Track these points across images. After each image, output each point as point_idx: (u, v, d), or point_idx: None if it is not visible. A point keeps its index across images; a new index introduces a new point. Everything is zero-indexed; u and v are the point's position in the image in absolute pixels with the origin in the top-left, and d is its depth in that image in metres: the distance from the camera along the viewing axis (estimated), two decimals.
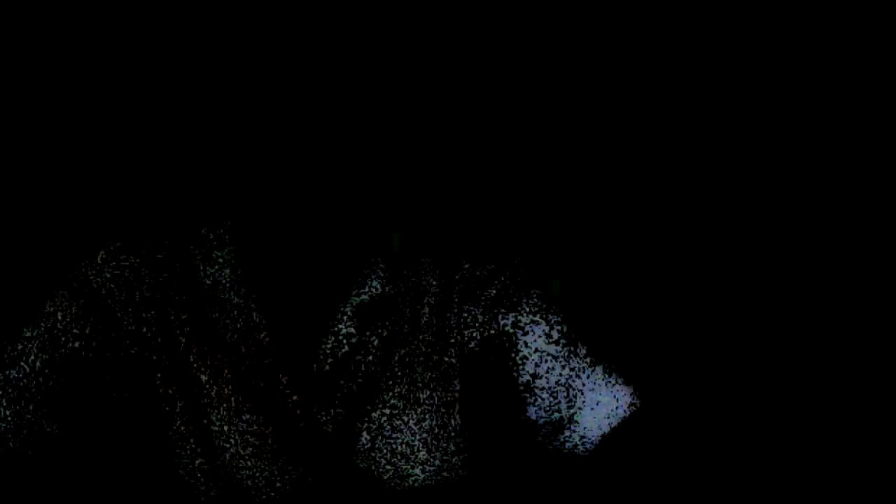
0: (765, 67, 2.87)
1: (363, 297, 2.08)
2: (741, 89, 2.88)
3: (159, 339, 2.06)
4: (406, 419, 2.07)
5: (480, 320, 2.12)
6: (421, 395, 2.08)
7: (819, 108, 2.87)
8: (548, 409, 2.11)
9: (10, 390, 2.03)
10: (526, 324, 2.12)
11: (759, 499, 2.44)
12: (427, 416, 2.08)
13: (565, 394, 2.12)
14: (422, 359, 2.09)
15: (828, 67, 2.86)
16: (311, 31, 1.99)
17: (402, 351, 2.08)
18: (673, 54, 2.87)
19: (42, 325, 2.06)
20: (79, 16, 2.71)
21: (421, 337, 2.10)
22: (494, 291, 2.13)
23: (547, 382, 2.11)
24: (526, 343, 2.12)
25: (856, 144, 2.87)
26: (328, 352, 2.06)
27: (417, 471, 2.08)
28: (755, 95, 2.88)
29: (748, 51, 2.87)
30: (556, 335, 2.13)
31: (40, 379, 2.04)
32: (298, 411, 2.04)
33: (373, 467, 2.06)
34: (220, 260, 2.09)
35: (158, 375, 2.05)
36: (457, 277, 2.13)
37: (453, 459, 2.11)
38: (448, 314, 2.11)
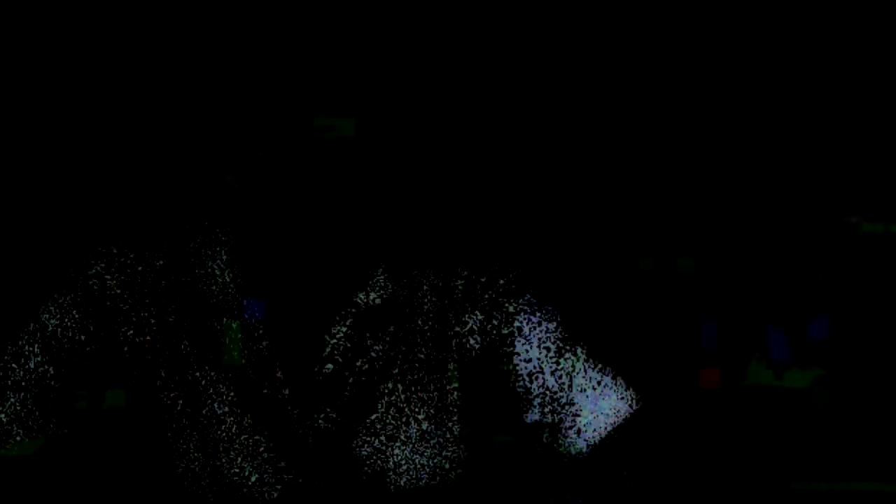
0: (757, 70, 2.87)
1: (363, 300, 2.08)
2: (735, 93, 2.88)
3: (158, 341, 2.06)
4: (405, 421, 2.07)
5: (480, 323, 2.12)
6: (420, 398, 2.08)
7: (818, 109, 2.87)
8: (547, 409, 2.11)
9: (10, 390, 2.03)
10: (525, 326, 2.13)
11: (758, 498, 2.44)
12: (426, 419, 2.08)
13: (565, 394, 2.12)
14: (421, 361, 2.09)
15: (826, 68, 2.86)
16: (310, 34, 1.99)
17: (401, 354, 2.08)
18: (673, 63, 2.87)
19: (42, 325, 2.06)
20: (81, 17, 2.71)
21: (420, 340, 2.10)
22: (493, 294, 2.13)
23: (546, 383, 2.11)
24: (525, 345, 2.12)
25: (855, 145, 2.87)
26: (327, 355, 2.06)
27: (417, 472, 2.08)
28: (746, 99, 2.88)
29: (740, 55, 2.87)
30: (554, 336, 2.13)
31: (40, 379, 2.04)
32: (297, 414, 2.04)
33: (372, 469, 2.05)
34: (220, 262, 2.09)
35: (158, 376, 2.05)
36: (456, 281, 2.13)
37: (453, 461, 2.11)
38: (447, 317, 2.11)
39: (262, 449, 2.04)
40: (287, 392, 2.04)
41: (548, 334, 2.14)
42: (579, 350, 2.15)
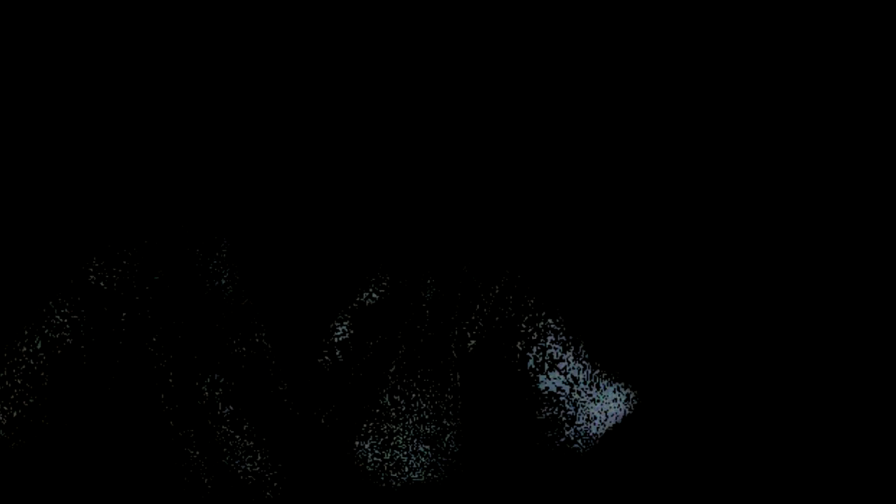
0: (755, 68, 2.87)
1: (364, 301, 2.08)
2: (735, 92, 2.88)
3: (159, 341, 2.06)
4: (406, 420, 2.07)
5: (480, 322, 2.12)
6: (421, 397, 2.09)
7: (817, 108, 2.87)
8: (548, 408, 2.12)
9: (10, 390, 2.04)
10: (526, 325, 2.13)
11: (758, 499, 2.44)
12: (427, 417, 2.08)
13: (565, 393, 2.12)
14: (422, 361, 2.09)
15: (828, 67, 2.86)
16: (312, 38, 1.99)
17: (402, 354, 2.09)
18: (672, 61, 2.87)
19: (43, 325, 2.07)
20: (82, 16, 2.71)
21: (421, 340, 2.10)
22: (494, 293, 2.13)
23: (547, 382, 2.12)
24: (526, 344, 2.12)
25: (855, 145, 2.87)
26: (328, 355, 2.07)
27: (417, 471, 2.08)
28: (747, 98, 2.88)
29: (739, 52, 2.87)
30: (555, 335, 2.13)
31: (41, 378, 2.04)
32: (298, 413, 2.04)
33: (373, 468, 2.06)
34: (221, 263, 2.09)
35: (158, 376, 2.06)
36: (457, 280, 2.13)
37: (453, 459, 2.11)
38: (448, 317, 2.12)
39: (263, 448, 2.04)
40: (288, 392, 2.05)
41: (549, 333, 2.14)
42: (581, 347, 2.16)
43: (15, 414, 2.05)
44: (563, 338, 2.15)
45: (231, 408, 2.05)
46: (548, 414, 2.12)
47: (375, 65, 2.03)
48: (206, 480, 2.05)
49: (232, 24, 2.02)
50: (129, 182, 2.71)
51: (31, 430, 2.05)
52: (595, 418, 2.13)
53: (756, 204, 2.87)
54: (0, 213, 2.64)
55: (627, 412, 2.14)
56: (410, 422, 2.08)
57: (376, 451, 2.07)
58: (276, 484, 2.04)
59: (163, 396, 2.06)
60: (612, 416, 2.13)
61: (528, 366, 2.13)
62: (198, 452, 2.06)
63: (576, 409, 2.13)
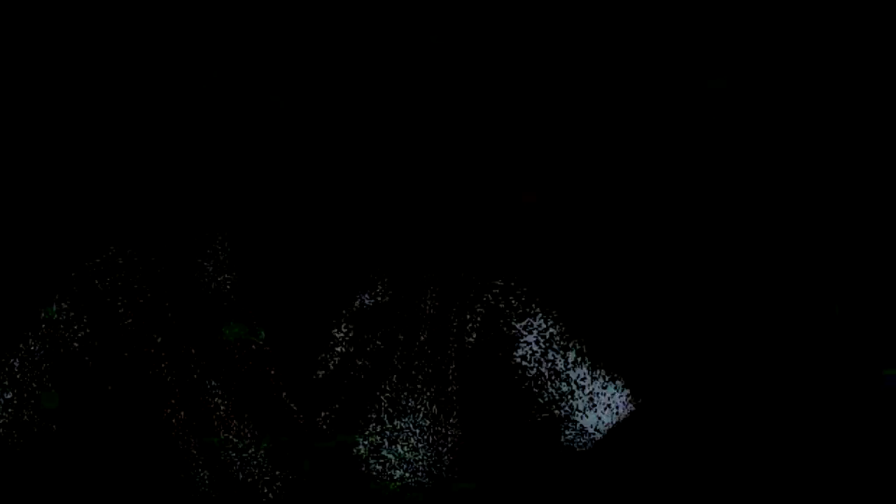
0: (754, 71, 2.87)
1: (363, 303, 2.08)
2: (732, 93, 2.88)
3: (159, 342, 2.06)
4: (405, 421, 2.07)
5: (480, 322, 2.12)
6: (420, 397, 2.09)
7: (819, 109, 2.87)
8: (547, 408, 2.12)
9: (10, 390, 2.04)
10: (525, 324, 2.13)
11: (758, 499, 2.45)
12: (426, 417, 2.08)
13: (565, 393, 2.12)
14: (421, 361, 2.09)
15: (829, 68, 2.86)
16: (313, 39, 1.99)
17: (401, 354, 2.09)
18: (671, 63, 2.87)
19: (43, 325, 2.07)
20: (82, 17, 2.71)
21: (420, 340, 2.10)
22: (494, 293, 2.13)
23: (546, 382, 2.12)
24: (525, 343, 2.12)
25: (854, 146, 2.87)
26: (327, 356, 2.07)
27: (417, 472, 2.08)
28: (743, 101, 2.88)
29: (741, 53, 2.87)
30: (555, 335, 2.13)
31: (40, 379, 2.04)
32: (297, 414, 2.04)
33: (372, 469, 2.06)
34: (221, 265, 2.09)
35: (158, 377, 2.05)
36: (457, 280, 2.13)
37: (453, 460, 2.11)
38: (447, 317, 2.12)
39: (262, 449, 2.04)
40: (287, 394, 2.04)
41: (549, 332, 2.14)
42: (581, 347, 2.16)
43: (15, 413, 2.05)
44: (563, 339, 2.15)
45: (231, 408, 2.05)
46: (547, 414, 2.12)
47: (375, 65, 2.03)
48: (205, 480, 2.05)
49: (232, 24, 2.02)
50: (128, 182, 2.71)
51: (31, 430, 2.05)
52: (595, 418, 2.13)
53: (756, 205, 2.87)
54: (0, 212, 2.64)
55: (627, 412, 2.14)
56: (410, 422, 2.08)
57: (376, 451, 2.07)
58: (276, 484, 2.04)
59: (161, 397, 2.06)
60: (612, 416, 2.13)
61: (528, 366, 2.13)
62: (197, 452, 2.06)
63: (575, 410, 2.13)
